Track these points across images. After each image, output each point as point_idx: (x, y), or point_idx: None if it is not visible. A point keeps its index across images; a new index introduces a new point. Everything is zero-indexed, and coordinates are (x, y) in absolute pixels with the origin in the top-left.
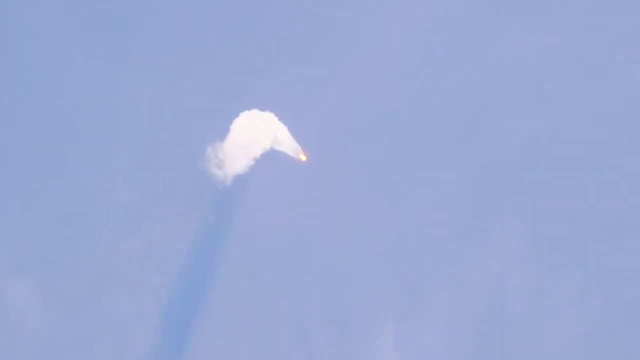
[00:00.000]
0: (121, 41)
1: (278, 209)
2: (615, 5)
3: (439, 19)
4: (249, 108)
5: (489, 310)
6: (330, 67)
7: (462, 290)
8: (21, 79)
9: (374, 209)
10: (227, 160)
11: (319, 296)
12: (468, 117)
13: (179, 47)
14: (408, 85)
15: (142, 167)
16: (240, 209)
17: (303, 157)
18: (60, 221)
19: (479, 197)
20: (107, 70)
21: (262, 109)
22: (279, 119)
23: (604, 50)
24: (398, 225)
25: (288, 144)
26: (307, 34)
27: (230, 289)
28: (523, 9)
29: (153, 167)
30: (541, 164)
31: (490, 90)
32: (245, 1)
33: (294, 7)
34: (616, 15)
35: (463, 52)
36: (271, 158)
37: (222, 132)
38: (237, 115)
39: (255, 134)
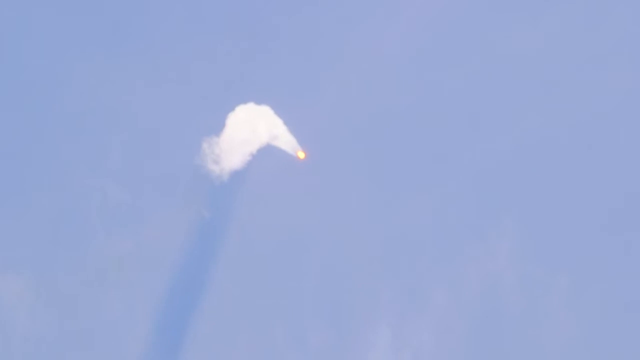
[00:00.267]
0: (115, 35)
1: (275, 205)
2: (615, 4)
3: (438, 16)
4: (245, 102)
5: (484, 308)
6: (328, 61)
7: (458, 289)
8: (13, 75)
9: (370, 207)
10: (223, 155)
11: (315, 294)
12: (466, 115)
13: (173, 40)
14: (405, 82)
15: (136, 163)
16: (236, 205)
17: (301, 155)
18: (55, 218)
19: (475, 196)
20: (101, 65)
21: (259, 103)
22: (276, 113)
23: (599, 50)
24: (394, 223)
25: (285, 139)
26: (304, 26)
27: (226, 286)
28: (522, 7)
29: (147, 162)
30: (537, 164)
31: (489, 90)
32: None
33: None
34: (616, 14)
35: (463, 52)
36: (268, 153)
37: (217, 127)
38: (232, 109)
39: (252, 128)
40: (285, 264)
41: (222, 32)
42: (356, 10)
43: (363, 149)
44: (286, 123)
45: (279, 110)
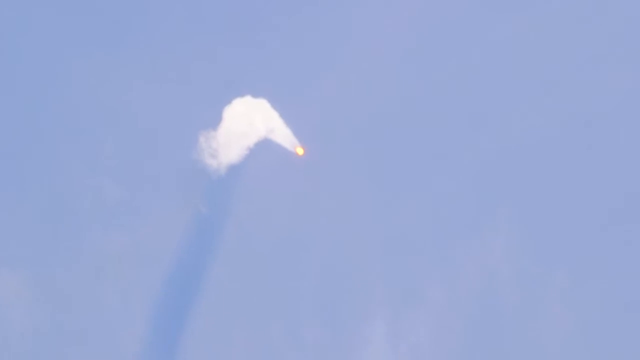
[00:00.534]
0: (111, 29)
1: (272, 199)
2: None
3: (439, 12)
4: (242, 95)
5: (481, 303)
6: (326, 54)
7: (454, 284)
8: (11, 73)
9: (367, 203)
10: (220, 149)
11: (311, 290)
12: (462, 112)
13: (169, 33)
14: (403, 76)
15: (132, 157)
16: (234, 200)
17: (300, 151)
18: (51, 213)
19: (471, 192)
20: (97, 60)
21: (256, 96)
22: (273, 106)
23: (597, 47)
24: (390, 219)
25: (283, 133)
26: (302, 18)
27: (222, 282)
28: (522, 7)
29: (144, 156)
30: (533, 160)
31: (485, 86)
32: None
33: None
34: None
35: (462, 51)
36: (266, 147)
37: (214, 120)
38: (229, 102)
39: (249, 122)
40: (282, 259)
41: (218, 26)
42: (355, 4)
43: (360, 143)
44: (283, 116)
45: (276, 104)
